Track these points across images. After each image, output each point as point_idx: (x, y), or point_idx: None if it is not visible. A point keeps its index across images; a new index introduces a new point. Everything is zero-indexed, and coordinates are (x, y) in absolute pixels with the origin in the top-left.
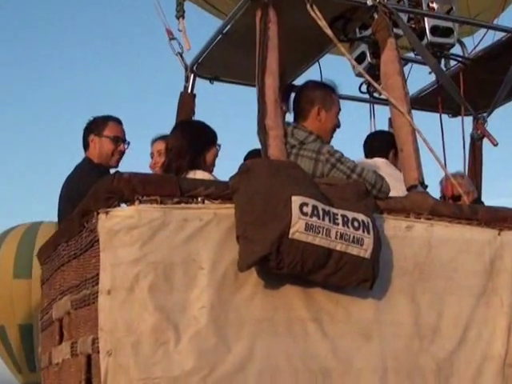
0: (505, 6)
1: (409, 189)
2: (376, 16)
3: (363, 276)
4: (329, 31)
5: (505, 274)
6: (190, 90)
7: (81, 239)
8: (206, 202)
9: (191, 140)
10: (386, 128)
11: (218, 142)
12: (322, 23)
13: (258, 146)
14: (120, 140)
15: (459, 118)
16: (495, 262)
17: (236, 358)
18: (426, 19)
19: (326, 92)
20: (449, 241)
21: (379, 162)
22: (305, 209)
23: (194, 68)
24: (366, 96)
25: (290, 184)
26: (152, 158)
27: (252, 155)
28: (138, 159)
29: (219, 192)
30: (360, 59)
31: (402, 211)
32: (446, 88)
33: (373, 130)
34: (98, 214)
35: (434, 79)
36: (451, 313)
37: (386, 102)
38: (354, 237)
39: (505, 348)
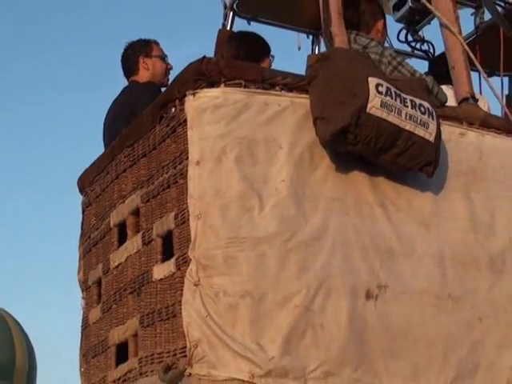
0: None
1: (461, 101)
2: None
3: (428, 158)
4: None
5: None
6: (228, 29)
7: (153, 135)
8: (282, 91)
9: (247, 49)
10: None
11: (272, 53)
12: None
13: None
14: (167, 58)
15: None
16: None
17: (313, 228)
18: None
19: (378, 5)
20: (499, 150)
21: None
22: (380, 88)
23: (234, 6)
24: (403, 47)
25: (366, 68)
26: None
27: None
28: None
29: (295, 82)
30: (401, 4)
31: (455, 119)
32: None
33: None
34: (183, 97)
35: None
36: (503, 214)
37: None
38: (420, 119)
39: None
